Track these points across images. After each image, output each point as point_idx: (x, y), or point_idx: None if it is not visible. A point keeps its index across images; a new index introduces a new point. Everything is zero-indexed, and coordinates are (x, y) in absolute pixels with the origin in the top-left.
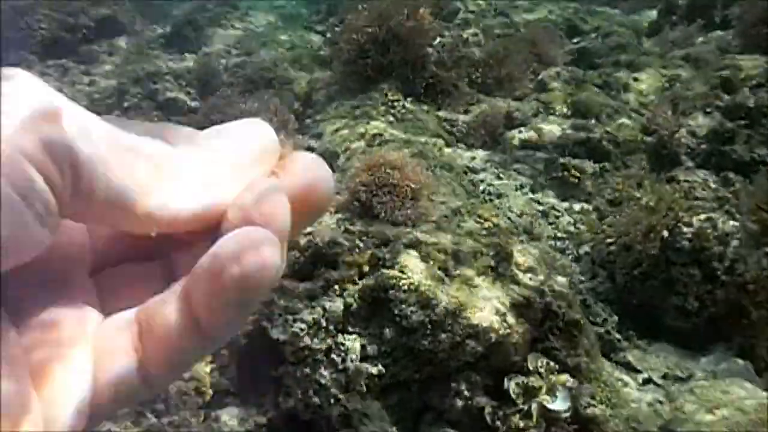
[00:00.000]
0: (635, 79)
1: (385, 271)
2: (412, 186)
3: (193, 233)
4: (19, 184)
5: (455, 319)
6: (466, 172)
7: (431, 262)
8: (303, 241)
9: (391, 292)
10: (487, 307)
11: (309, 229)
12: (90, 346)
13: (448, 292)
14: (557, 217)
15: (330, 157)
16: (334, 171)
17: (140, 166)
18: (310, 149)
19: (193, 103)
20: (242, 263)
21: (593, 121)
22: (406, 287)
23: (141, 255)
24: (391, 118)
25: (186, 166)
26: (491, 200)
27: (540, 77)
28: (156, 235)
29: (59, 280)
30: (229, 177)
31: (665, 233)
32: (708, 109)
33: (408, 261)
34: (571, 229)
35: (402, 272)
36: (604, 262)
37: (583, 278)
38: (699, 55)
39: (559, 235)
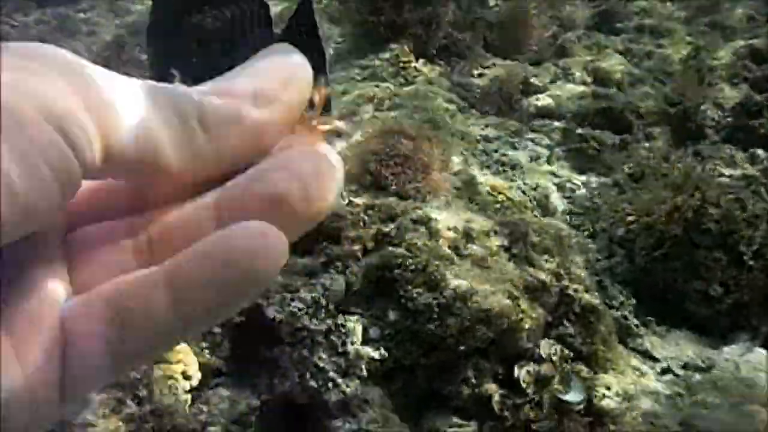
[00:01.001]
0: (659, 46)
1: (390, 248)
2: (424, 158)
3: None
4: (49, 151)
5: (465, 303)
6: (479, 141)
7: (440, 240)
8: None
9: (396, 271)
10: (500, 290)
11: None
12: (57, 322)
13: (457, 273)
14: (573, 191)
15: None
16: (340, 135)
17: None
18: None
19: None
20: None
21: (614, 90)
22: (413, 267)
23: (116, 212)
24: (402, 80)
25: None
26: (505, 171)
27: (559, 41)
28: (136, 189)
29: (28, 245)
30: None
31: (690, 213)
32: (735, 80)
33: (416, 238)
34: (588, 204)
35: (409, 250)
36: (622, 241)
37: (599, 257)
38: (726, 22)
39: (574, 210)
